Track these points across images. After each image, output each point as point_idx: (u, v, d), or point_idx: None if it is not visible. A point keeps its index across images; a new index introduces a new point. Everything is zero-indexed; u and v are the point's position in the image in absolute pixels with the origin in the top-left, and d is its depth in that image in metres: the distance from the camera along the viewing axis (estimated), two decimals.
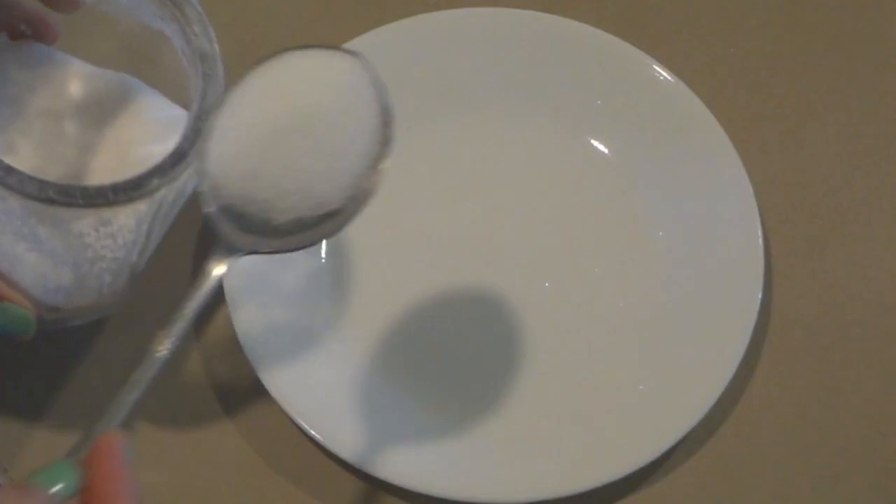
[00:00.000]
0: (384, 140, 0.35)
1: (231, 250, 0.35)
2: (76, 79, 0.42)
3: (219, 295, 0.46)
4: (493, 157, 0.51)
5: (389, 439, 0.44)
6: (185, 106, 0.42)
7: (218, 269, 0.35)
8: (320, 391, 0.45)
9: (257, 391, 0.45)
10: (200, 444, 0.46)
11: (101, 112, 0.42)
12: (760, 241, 0.47)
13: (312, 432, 0.43)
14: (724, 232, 0.48)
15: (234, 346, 0.45)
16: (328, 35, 0.51)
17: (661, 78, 0.50)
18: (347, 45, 0.50)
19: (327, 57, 0.36)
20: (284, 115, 0.35)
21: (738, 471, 0.46)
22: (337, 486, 0.45)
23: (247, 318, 0.45)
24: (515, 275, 0.49)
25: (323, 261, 0.49)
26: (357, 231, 0.49)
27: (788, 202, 0.51)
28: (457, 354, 0.47)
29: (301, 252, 0.48)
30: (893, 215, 0.51)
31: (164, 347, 0.33)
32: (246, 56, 0.54)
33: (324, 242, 0.49)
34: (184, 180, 0.39)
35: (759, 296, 0.46)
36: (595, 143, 0.52)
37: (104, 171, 0.41)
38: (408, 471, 0.43)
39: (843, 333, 0.49)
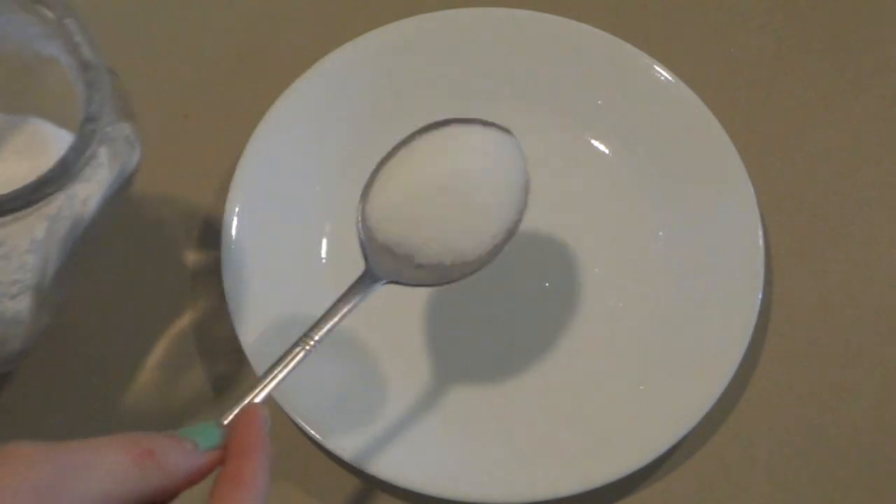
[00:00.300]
0: (522, 208, 0.40)
1: (374, 279, 0.39)
2: None
3: (219, 295, 0.46)
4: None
5: (389, 439, 0.44)
6: None
7: (361, 293, 0.39)
8: (320, 391, 0.45)
9: None
10: None
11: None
12: (760, 241, 0.47)
13: (312, 432, 0.43)
14: (724, 232, 0.48)
15: (234, 347, 0.45)
16: (328, 35, 0.51)
17: (661, 78, 0.50)
18: (347, 46, 0.50)
19: (484, 131, 0.41)
20: (442, 175, 0.40)
21: (738, 471, 0.46)
22: (337, 486, 0.45)
23: (247, 318, 0.45)
24: (515, 275, 0.49)
25: (323, 261, 0.49)
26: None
27: (788, 202, 0.51)
28: (456, 354, 0.47)
29: (301, 252, 0.49)
30: (893, 215, 0.51)
31: (307, 347, 0.37)
32: (247, 57, 0.54)
33: (324, 242, 0.49)
34: (82, 199, 0.38)
35: (759, 296, 0.46)
36: (595, 143, 0.52)
37: None
38: (407, 471, 0.43)
39: (843, 333, 0.49)
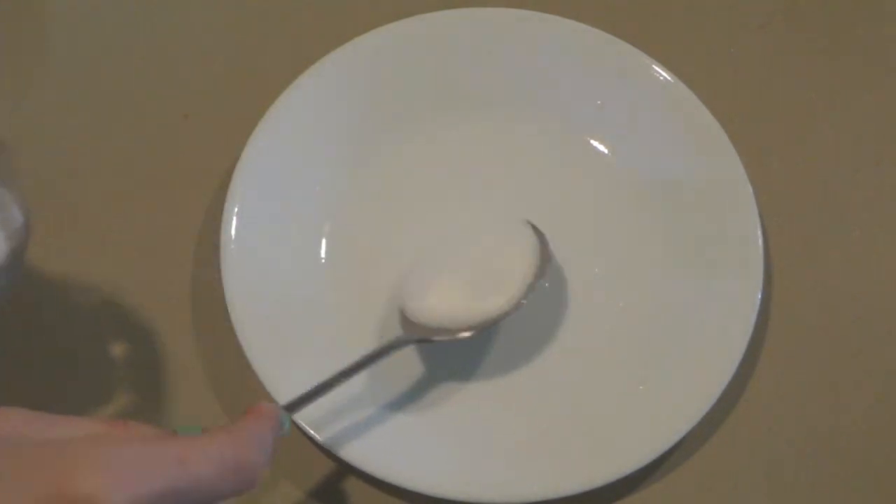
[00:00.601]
0: (540, 274, 0.45)
1: (404, 341, 0.44)
2: None
3: (219, 296, 0.46)
4: (493, 158, 0.51)
5: (389, 439, 0.44)
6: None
7: (389, 347, 0.43)
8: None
9: (257, 392, 0.45)
10: None
11: None
12: (760, 241, 0.47)
13: (312, 432, 0.43)
14: (724, 232, 0.48)
15: (234, 347, 0.45)
16: (329, 35, 0.51)
17: (661, 78, 0.50)
18: (347, 46, 0.50)
19: (503, 221, 0.48)
20: (465, 270, 0.46)
21: (738, 471, 0.46)
22: (337, 486, 0.45)
23: (247, 319, 0.45)
24: None
25: (323, 261, 0.49)
26: (357, 230, 0.49)
27: (788, 202, 0.51)
28: (456, 355, 0.47)
29: (301, 251, 0.49)
30: (893, 215, 0.51)
31: (339, 380, 0.41)
32: (247, 57, 0.54)
33: (323, 242, 0.49)
34: None
35: (759, 296, 0.46)
36: (595, 143, 0.52)
37: None
38: (407, 471, 0.43)
39: (843, 333, 0.49)
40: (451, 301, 0.45)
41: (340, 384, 0.41)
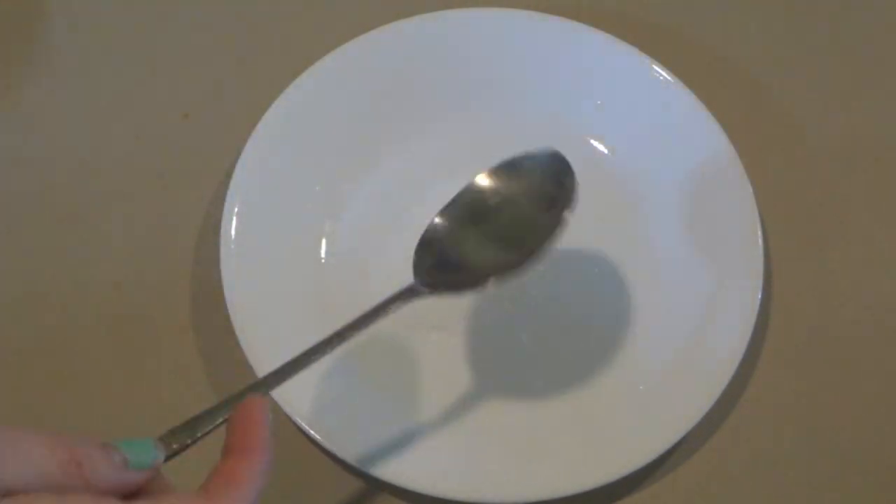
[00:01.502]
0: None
1: (417, 293, 0.40)
2: None
3: (218, 296, 0.46)
4: (493, 157, 0.51)
5: (389, 439, 0.44)
6: None
7: (405, 298, 0.40)
8: (320, 391, 0.45)
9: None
10: (200, 444, 0.46)
11: None
12: (760, 241, 0.47)
13: (312, 432, 0.43)
14: (724, 232, 0.48)
15: (234, 347, 0.45)
16: (329, 35, 0.51)
17: (661, 78, 0.50)
18: (347, 46, 0.50)
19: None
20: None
21: (738, 471, 0.46)
22: (337, 486, 0.45)
23: (247, 319, 0.45)
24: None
25: (323, 261, 0.49)
26: (357, 230, 0.49)
27: (788, 202, 0.51)
28: (456, 355, 0.47)
29: (301, 251, 0.49)
30: (893, 215, 0.51)
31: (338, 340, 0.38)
32: (247, 57, 0.54)
33: (323, 242, 0.49)
34: None
35: (759, 296, 0.46)
36: (595, 143, 0.52)
37: None
38: (407, 471, 0.43)
39: (843, 333, 0.49)
40: None
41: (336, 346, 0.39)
